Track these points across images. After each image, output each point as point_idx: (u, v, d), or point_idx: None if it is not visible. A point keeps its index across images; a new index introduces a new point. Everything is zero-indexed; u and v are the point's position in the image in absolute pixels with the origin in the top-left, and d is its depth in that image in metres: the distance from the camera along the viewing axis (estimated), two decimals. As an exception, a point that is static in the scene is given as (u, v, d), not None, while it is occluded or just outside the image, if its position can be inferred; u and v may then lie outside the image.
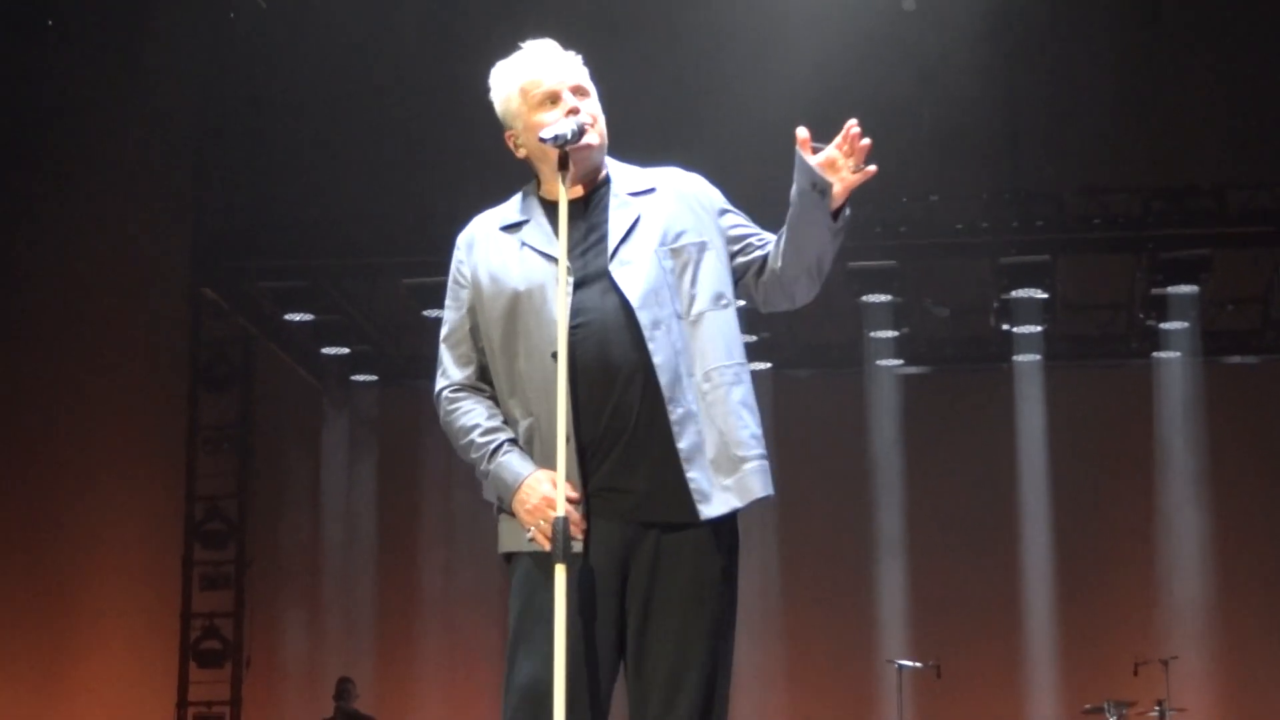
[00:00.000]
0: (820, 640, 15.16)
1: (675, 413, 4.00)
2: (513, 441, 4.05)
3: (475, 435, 4.08)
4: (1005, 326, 14.54)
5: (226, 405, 15.38)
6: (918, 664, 13.32)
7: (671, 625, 4.00)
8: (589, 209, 4.15)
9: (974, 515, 15.19)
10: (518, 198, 4.26)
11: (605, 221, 4.13)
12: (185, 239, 14.54)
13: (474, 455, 4.08)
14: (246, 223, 14.23)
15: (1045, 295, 14.02)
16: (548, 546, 3.93)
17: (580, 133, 4.07)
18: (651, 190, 4.20)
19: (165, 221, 14.80)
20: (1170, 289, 13.94)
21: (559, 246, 4.00)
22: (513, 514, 4.03)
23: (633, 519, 4.00)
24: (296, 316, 14.74)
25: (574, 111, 4.12)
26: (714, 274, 4.14)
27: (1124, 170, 13.74)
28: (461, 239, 4.25)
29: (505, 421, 4.11)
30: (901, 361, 15.08)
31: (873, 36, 12.41)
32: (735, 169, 12.03)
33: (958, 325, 15.16)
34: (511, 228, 4.18)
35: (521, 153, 4.22)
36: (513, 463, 4.02)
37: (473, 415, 4.11)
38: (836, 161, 4.02)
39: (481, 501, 4.18)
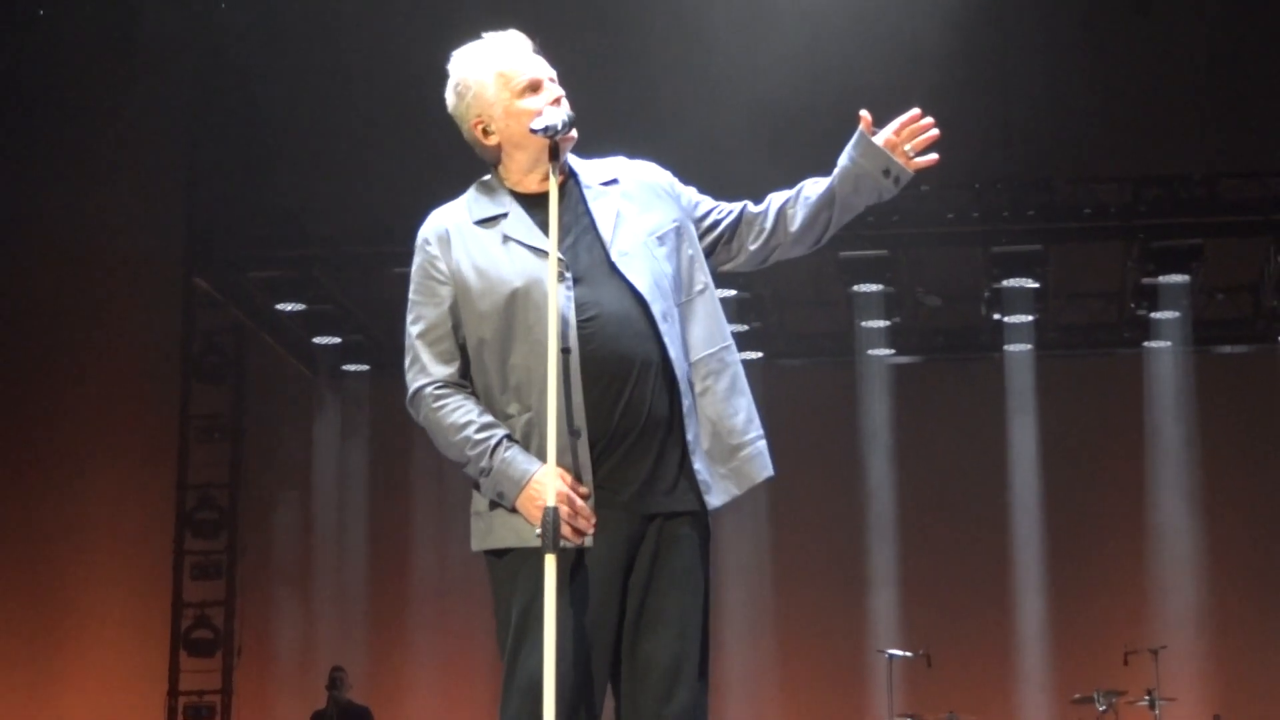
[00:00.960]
0: (810, 630, 15.17)
1: (684, 404, 4.02)
2: (509, 438, 3.99)
3: (471, 432, 4.00)
4: (996, 316, 14.56)
5: (218, 395, 15.39)
6: (908, 653, 13.33)
7: (670, 613, 4.00)
8: (565, 201, 4.10)
9: (965, 505, 15.21)
10: (479, 190, 4.19)
11: (587, 213, 4.11)
12: (177, 229, 14.55)
13: (470, 452, 3.99)
14: (238, 213, 14.24)
15: (1036, 284, 14.05)
16: (569, 542, 3.90)
17: (570, 123, 4.07)
18: (615, 181, 4.19)
19: (157, 212, 14.81)
20: (1161, 278, 13.95)
21: (550, 239, 3.96)
22: (513, 510, 3.97)
23: (639, 510, 4.00)
24: (288, 306, 14.75)
25: (557, 101, 4.11)
26: (692, 260, 4.17)
27: (1115, 160, 13.76)
28: (430, 234, 4.15)
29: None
30: (893, 351, 15.10)
31: (863, 24, 12.41)
32: (726, 156, 12.06)
33: (949, 315, 15.17)
34: (488, 221, 4.11)
35: (493, 140, 4.13)
36: (518, 459, 3.95)
37: (463, 412, 4.03)
38: (896, 146, 4.21)
39: (471, 489, 4.12)
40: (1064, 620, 14.81)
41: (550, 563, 3.82)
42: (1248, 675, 14.70)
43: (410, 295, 4.19)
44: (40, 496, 15.09)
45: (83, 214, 14.83)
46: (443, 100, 4.20)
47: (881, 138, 4.21)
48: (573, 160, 4.19)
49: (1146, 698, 12.64)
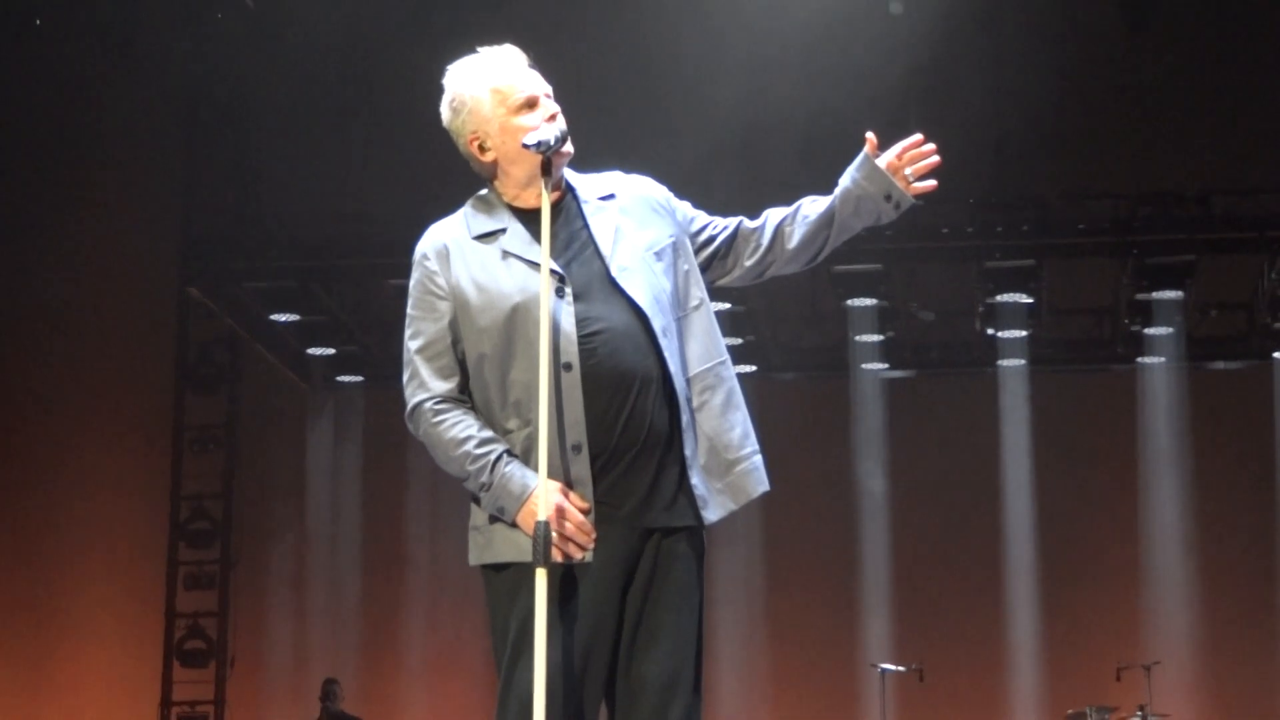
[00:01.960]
0: (803, 644, 15.17)
1: (683, 419, 4.03)
2: (509, 453, 3.99)
3: (470, 447, 3.99)
4: (990, 331, 14.56)
5: (212, 405, 15.37)
6: (900, 668, 13.32)
7: (666, 630, 4.01)
8: (562, 216, 4.12)
9: (958, 520, 15.22)
10: (476, 206, 4.18)
11: (585, 228, 4.12)
12: (172, 239, 14.55)
13: (471, 467, 3.99)
14: (233, 223, 14.24)
15: (1030, 300, 14.05)
16: (565, 557, 3.92)
17: (564, 139, 4.07)
18: (612, 196, 4.20)
19: (152, 222, 14.80)
20: (1155, 294, 13.95)
21: (542, 252, 3.96)
22: (513, 524, 3.97)
23: (638, 525, 4.00)
24: (282, 317, 14.72)
25: (553, 117, 4.11)
26: (688, 275, 4.18)
27: (1109, 175, 13.78)
28: (428, 249, 4.15)
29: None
30: (886, 366, 15.10)
31: (859, 40, 12.43)
32: (720, 172, 12.08)
33: (943, 329, 15.17)
34: (486, 236, 4.11)
35: (489, 156, 4.14)
36: (517, 474, 3.95)
37: (463, 427, 4.02)
38: (898, 170, 4.22)
39: (467, 502, 4.13)
40: (1057, 635, 14.81)
41: (541, 576, 3.84)
42: (1241, 691, 14.70)
43: (409, 310, 4.19)
44: (33, 506, 15.07)
45: (77, 224, 14.83)
46: (439, 113, 4.20)
47: (884, 161, 4.23)
48: (570, 175, 4.19)
49: (1139, 713, 12.64)
